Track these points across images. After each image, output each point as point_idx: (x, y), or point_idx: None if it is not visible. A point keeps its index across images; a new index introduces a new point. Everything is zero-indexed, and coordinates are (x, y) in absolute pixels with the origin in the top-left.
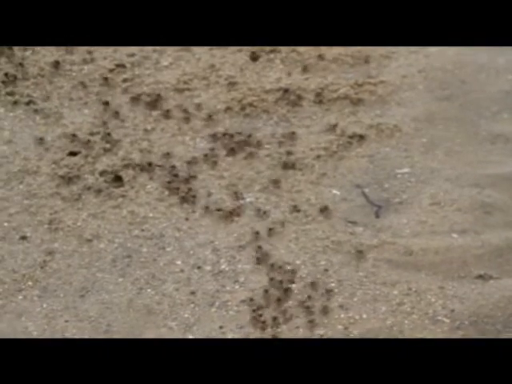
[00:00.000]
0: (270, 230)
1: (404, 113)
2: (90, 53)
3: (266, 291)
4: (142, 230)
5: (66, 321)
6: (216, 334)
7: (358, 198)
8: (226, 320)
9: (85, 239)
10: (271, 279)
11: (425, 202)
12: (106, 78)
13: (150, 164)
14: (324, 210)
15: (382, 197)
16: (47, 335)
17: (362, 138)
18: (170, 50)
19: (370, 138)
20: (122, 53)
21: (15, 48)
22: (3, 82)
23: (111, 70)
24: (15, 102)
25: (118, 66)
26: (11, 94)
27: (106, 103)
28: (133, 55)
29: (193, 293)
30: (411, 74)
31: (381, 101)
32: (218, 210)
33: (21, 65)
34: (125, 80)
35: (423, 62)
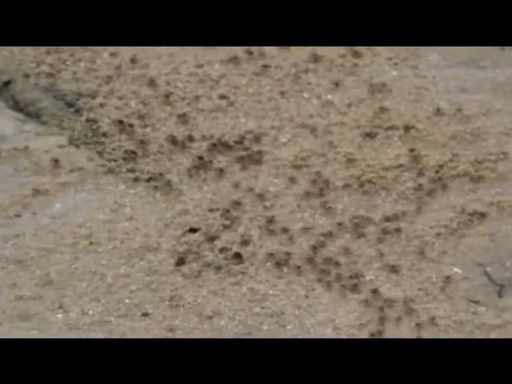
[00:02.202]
0: (390, 308)
1: None
2: (208, 129)
3: None
4: (263, 308)
5: None
6: None
7: (479, 277)
8: None
9: (205, 316)
10: None
11: None
12: (224, 155)
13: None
14: (445, 288)
15: (505, 275)
16: None
17: (482, 215)
18: (288, 126)
19: (490, 215)
20: (241, 129)
21: (136, 124)
22: (124, 159)
23: (229, 150)
24: (136, 179)
25: (236, 142)
26: (132, 170)
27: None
28: (251, 132)
29: None
30: None
31: (501, 178)
32: (339, 286)
33: (141, 142)
34: (243, 157)
35: None
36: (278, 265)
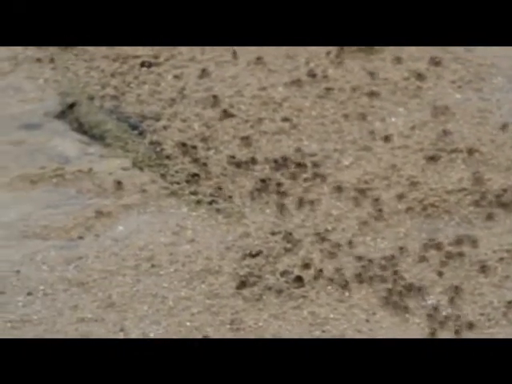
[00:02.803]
0: (455, 332)
1: None
2: (271, 151)
3: None
4: (323, 332)
5: None
6: None
7: None
8: None
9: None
10: None
11: None
12: (287, 177)
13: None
14: (507, 313)
15: None
16: None
17: None
18: (351, 149)
19: None
20: (305, 152)
21: (199, 147)
22: (187, 182)
23: (292, 173)
24: (198, 202)
25: (299, 165)
26: (194, 193)
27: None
28: (314, 155)
29: None
30: None
31: None
32: (399, 309)
33: (204, 164)
34: (305, 179)
35: None
36: (337, 290)
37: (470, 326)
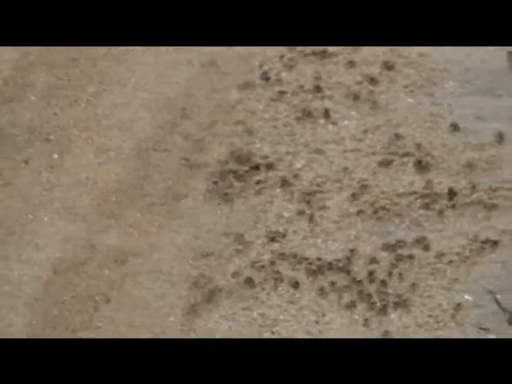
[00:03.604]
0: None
1: None
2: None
3: None
4: (273, 333)
5: None
6: None
7: (490, 305)
8: None
9: None
10: None
11: None
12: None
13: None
14: (456, 315)
15: None
16: None
17: (495, 243)
18: (303, 152)
19: (503, 243)
20: (257, 155)
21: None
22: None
23: (247, 170)
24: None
25: (252, 168)
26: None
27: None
28: (266, 157)
29: None
30: None
31: None
32: (349, 311)
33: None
34: (258, 182)
35: None
36: (288, 291)
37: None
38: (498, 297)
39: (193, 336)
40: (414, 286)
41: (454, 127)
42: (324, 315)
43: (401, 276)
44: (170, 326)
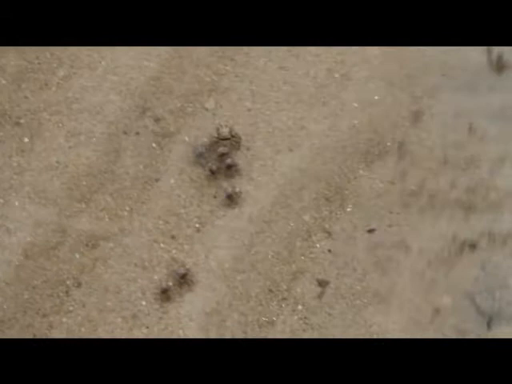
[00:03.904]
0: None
1: None
2: None
3: None
4: None
5: None
6: None
7: (469, 307)
8: None
9: None
10: None
11: None
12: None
13: None
14: (435, 317)
15: (494, 306)
16: None
17: (473, 245)
18: None
19: (481, 245)
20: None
21: None
22: None
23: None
24: None
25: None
26: None
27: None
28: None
29: None
30: None
31: (494, 206)
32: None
33: None
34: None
35: None
36: None
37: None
38: (477, 299)
39: (165, 319)
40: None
41: None
42: None
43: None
44: (141, 310)
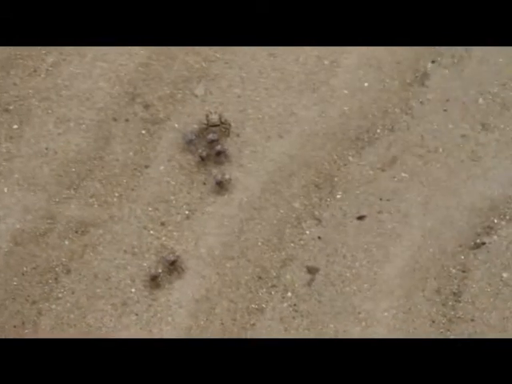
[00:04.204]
0: None
1: None
2: None
3: None
4: None
5: None
6: None
7: None
8: None
9: None
10: None
11: None
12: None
13: None
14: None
15: None
16: None
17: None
18: None
19: None
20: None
21: None
22: None
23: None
24: None
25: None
26: None
27: None
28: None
29: None
30: None
31: None
32: None
33: None
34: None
35: None
36: None
37: None
38: None
39: (154, 306)
40: None
41: None
42: None
43: None
44: (131, 297)
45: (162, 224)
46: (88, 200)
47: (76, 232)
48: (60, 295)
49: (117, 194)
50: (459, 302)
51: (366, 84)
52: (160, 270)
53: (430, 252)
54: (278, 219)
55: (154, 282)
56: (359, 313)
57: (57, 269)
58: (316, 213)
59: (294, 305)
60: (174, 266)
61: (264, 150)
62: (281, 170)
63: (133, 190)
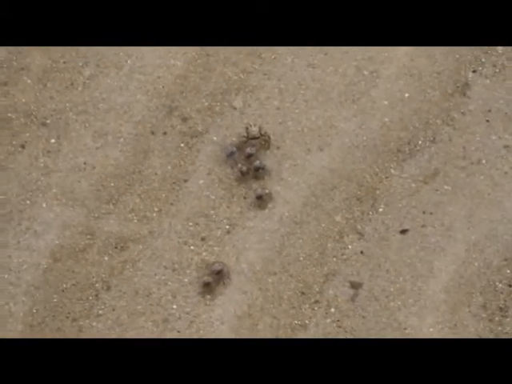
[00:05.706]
0: None
1: None
2: None
3: None
4: None
5: None
6: None
7: None
8: None
9: None
10: None
11: None
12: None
13: None
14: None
15: None
16: None
17: None
18: None
19: None
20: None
21: None
22: None
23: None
24: None
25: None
26: None
27: None
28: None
29: None
30: None
31: None
32: None
33: None
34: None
35: None
36: None
37: None
38: None
39: (196, 323)
40: None
41: None
42: None
43: None
44: (172, 313)
45: (203, 239)
46: (127, 215)
47: (115, 247)
48: (101, 312)
49: (156, 209)
50: (506, 317)
51: (406, 95)
52: (211, 279)
53: (474, 266)
54: (319, 233)
55: (196, 298)
56: (405, 328)
57: (97, 285)
58: (358, 227)
59: (338, 320)
60: (220, 276)
61: (304, 163)
62: (322, 183)
63: (172, 204)
